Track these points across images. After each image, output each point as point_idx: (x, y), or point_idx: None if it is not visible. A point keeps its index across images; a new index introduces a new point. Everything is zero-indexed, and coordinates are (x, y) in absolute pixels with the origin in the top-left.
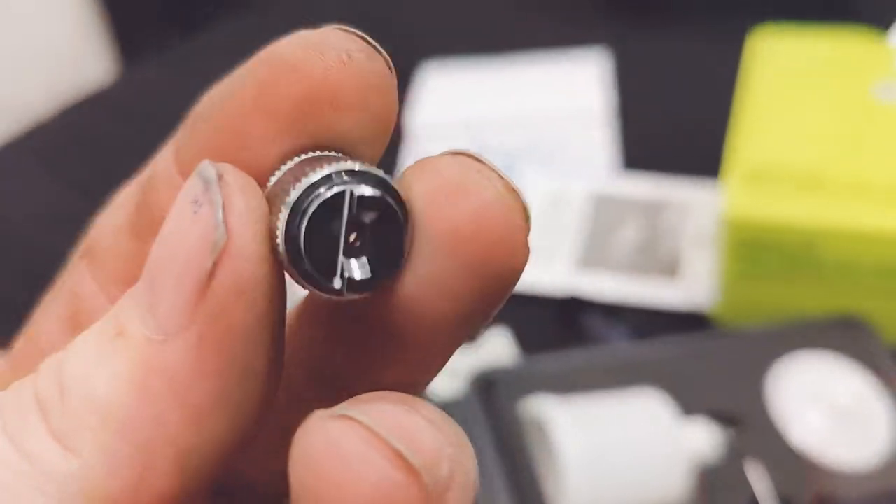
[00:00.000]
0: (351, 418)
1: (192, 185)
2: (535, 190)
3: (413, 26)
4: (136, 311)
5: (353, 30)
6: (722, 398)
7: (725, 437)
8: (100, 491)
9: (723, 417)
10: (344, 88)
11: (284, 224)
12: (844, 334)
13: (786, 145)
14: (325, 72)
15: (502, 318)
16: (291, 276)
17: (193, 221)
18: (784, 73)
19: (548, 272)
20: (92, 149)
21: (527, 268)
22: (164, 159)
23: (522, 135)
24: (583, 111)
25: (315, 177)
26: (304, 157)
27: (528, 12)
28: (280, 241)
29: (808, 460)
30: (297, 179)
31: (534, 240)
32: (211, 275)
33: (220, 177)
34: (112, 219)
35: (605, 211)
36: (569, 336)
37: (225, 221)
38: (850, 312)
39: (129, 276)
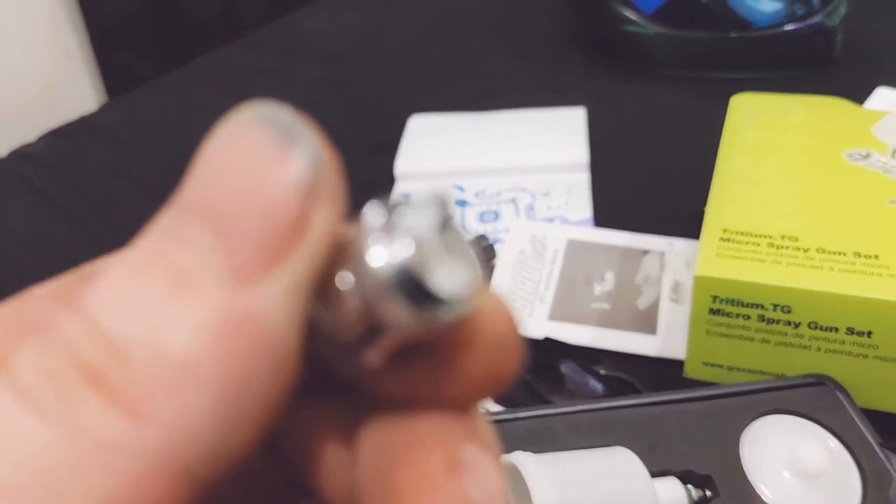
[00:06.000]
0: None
1: (261, 134)
2: (515, 237)
3: (403, 79)
4: (202, 257)
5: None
6: (694, 458)
7: (698, 498)
8: (179, 458)
9: (695, 478)
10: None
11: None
12: (816, 396)
13: (760, 209)
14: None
15: None
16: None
17: (283, 163)
18: (761, 138)
19: (526, 318)
20: (76, 175)
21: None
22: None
23: (505, 184)
24: (564, 164)
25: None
26: None
27: (513, 67)
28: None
29: None
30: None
31: (512, 286)
32: (306, 217)
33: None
34: None
35: (582, 259)
36: (546, 384)
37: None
38: (822, 375)
39: None
